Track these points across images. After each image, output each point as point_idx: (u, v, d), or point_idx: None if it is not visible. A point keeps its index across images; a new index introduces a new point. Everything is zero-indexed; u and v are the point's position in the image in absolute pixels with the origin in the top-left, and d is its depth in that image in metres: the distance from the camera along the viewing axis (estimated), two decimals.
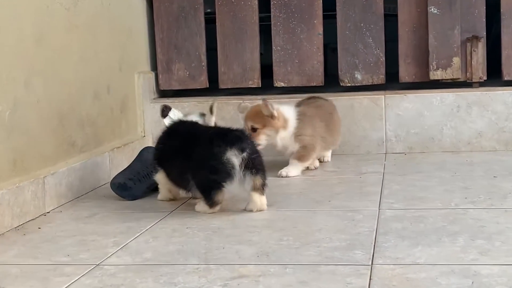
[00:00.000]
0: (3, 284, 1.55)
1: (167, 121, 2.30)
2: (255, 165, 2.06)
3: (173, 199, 2.29)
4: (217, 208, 2.09)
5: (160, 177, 2.26)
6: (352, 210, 2.08)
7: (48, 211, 2.22)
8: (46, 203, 2.22)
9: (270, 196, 2.16)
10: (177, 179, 2.20)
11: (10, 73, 2.10)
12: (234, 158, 2.03)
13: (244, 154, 2.03)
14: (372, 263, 1.58)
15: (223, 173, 2.04)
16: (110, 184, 2.38)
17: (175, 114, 2.30)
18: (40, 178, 2.20)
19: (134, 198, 2.33)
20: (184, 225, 1.99)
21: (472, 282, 1.44)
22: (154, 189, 2.36)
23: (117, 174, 2.41)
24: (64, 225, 2.06)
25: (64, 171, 2.35)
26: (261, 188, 2.08)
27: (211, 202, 2.08)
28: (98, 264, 1.67)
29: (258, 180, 2.07)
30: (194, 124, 2.29)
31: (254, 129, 2.55)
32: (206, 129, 2.24)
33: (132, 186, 2.33)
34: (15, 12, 2.14)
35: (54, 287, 1.52)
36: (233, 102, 3.10)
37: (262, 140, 2.54)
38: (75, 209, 2.26)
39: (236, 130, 2.12)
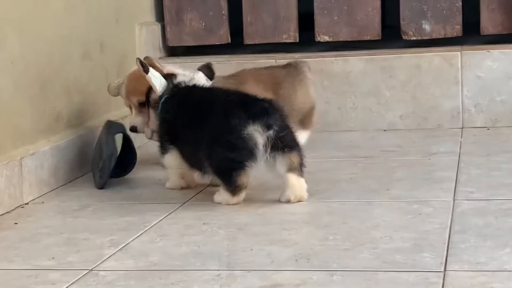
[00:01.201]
0: None
1: (155, 80, 2.29)
2: (287, 143, 2.07)
3: (186, 188, 2.32)
4: (242, 195, 2.11)
5: (170, 159, 2.28)
6: (419, 201, 2.08)
7: (26, 202, 2.25)
8: (24, 191, 2.25)
9: (311, 183, 2.17)
10: (190, 159, 2.23)
11: None
12: (258, 135, 2.04)
13: (271, 132, 2.04)
14: (445, 269, 1.58)
15: (243, 150, 2.06)
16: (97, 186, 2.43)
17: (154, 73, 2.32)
18: (16, 159, 2.23)
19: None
20: (201, 220, 2.01)
21: None
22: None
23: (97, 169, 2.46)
24: (48, 220, 2.08)
25: (46, 151, 2.38)
26: (299, 168, 2.09)
27: (232, 187, 2.09)
28: (91, 269, 1.68)
29: (295, 158, 2.08)
30: (208, 87, 2.31)
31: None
32: (223, 94, 2.25)
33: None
34: None
35: None
36: (261, 63, 3.10)
37: None
38: (60, 200, 2.28)
39: (263, 100, 2.13)
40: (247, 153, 2.05)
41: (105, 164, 2.40)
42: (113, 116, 2.77)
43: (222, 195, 2.13)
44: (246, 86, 2.49)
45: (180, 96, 2.28)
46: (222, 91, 2.29)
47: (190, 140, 2.20)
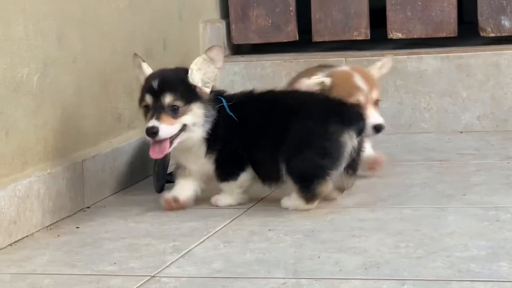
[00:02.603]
0: None
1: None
2: (358, 157, 2.15)
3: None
4: (315, 204, 2.13)
5: (246, 178, 2.22)
6: (496, 207, 2.07)
7: (88, 206, 2.29)
8: (85, 195, 2.29)
9: (382, 188, 2.17)
10: (265, 169, 2.20)
11: (38, 25, 2.16)
12: (349, 141, 2.07)
13: (360, 138, 2.09)
14: None
15: (335, 159, 2.08)
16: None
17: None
18: (78, 162, 2.27)
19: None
20: (266, 226, 2.02)
21: None
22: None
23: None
24: (109, 225, 2.11)
25: (108, 154, 2.42)
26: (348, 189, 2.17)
27: (310, 194, 2.11)
28: (153, 276, 1.71)
29: (352, 181, 2.15)
30: (282, 92, 2.36)
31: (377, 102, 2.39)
32: (308, 98, 2.24)
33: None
34: None
35: None
36: (331, 61, 3.11)
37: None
38: (122, 204, 2.32)
39: (352, 104, 2.18)
40: (336, 162, 2.08)
41: (159, 168, 2.44)
42: None
43: (293, 200, 2.14)
44: None
45: (253, 100, 2.28)
46: (304, 94, 2.28)
47: (268, 148, 2.17)
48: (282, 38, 3.27)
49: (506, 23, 3.11)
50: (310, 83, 2.30)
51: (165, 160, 2.42)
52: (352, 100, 2.26)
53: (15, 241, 2.01)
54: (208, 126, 2.16)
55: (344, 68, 2.40)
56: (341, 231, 1.96)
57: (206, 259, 1.81)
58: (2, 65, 2.02)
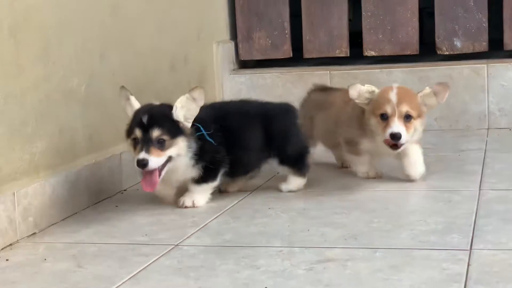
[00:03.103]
0: (82, 263, 1.63)
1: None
2: None
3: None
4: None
5: (221, 177, 2.12)
6: (450, 190, 2.07)
7: (125, 189, 2.30)
8: (123, 180, 2.30)
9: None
10: (244, 166, 2.18)
11: (85, 45, 2.17)
12: None
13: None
14: (471, 248, 1.57)
15: (308, 138, 2.28)
16: None
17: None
18: (117, 154, 2.28)
19: None
20: (266, 205, 2.03)
21: None
22: None
23: None
24: (142, 204, 2.12)
25: None
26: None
27: (305, 169, 2.18)
28: (177, 245, 1.72)
29: None
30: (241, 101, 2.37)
31: (408, 117, 2.11)
32: (261, 104, 2.28)
33: None
34: None
35: (133, 267, 1.58)
36: (318, 73, 3.12)
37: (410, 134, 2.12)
38: None
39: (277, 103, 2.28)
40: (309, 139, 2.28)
41: None
42: None
43: (293, 182, 2.17)
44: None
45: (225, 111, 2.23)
46: (254, 101, 2.31)
47: (249, 149, 2.15)
48: (279, 55, 3.27)
49: (457, 43, 3.10)
50: (362, 89, 2.13)
51: None
52: (381, 110, 2.09)
53: (67, 217, 2.02)
54: (192, 153, 2.00)
55: (393, 84, 2.18)
56: (326, 209, 1.96)
57: (219, 231, 1.82)
58: (57, 76, 2.03)
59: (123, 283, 1.49)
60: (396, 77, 3.02)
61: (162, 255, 1.65)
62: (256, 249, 1.66)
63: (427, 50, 3.18)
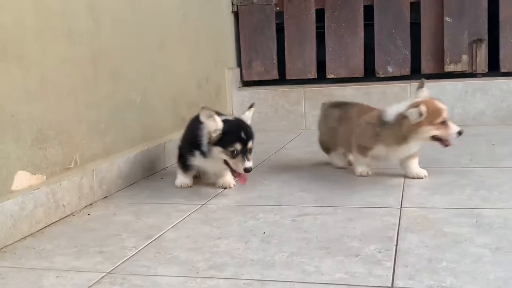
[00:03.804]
0: (139, 216, 1.62)
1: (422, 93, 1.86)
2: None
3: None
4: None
5: None
6: (387, 169, 2.05)
7: (167, 167, 2.29)
8: (165, 161, 2.28)
9: (327, 157, 2.16)
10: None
11: (140, 70, 2.16)
12: None
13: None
14: (401, 207, 1.58)
15: None
16: None
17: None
18: (161, 144, 2.27)
19: None
20: (263, 178, 2.02)
21: (476, 221, 1.43)
22: None
23: None
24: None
25: (177, 139, 2.39)
26: None
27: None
28: (203, 204, 1.72)
29: None
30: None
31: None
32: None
33: None
34: (144, 28, 2.20)
35: (174, 219, 1.57)
36: (296, 90, 3.11)
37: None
38: None
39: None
40: None
41: None
42: None
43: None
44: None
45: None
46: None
47: None
48: (270, 77, 3.26)
49: (390, 69, 3.10)
50: (415, 112, 1.79)
51: None
52: (441, 118, 1.80)
53: (128, 186, 2.01)
54: None
55: (421, 99, 1.85)
56: (303, 180, 1.95)
57: (232, 196, 1.81)
58: (121, 91, 2.02)
59: (168, 230, 1.49)
60: (347, 93, 3.02)
61: (193, 211, 1.65)
62: (257, 207, 1.66)
63: (369, 74, 3.18)
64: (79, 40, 1.78)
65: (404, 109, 1.83)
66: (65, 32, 1.71)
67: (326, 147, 2.14)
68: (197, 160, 1.84)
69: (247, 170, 1.71)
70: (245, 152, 1.72)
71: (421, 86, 1.93)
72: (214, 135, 1.74)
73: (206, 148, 1.77)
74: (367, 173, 1.98)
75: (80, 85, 1.78)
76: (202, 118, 1.73)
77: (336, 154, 2.12)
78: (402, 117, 1.83)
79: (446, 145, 1.84)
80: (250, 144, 1.74)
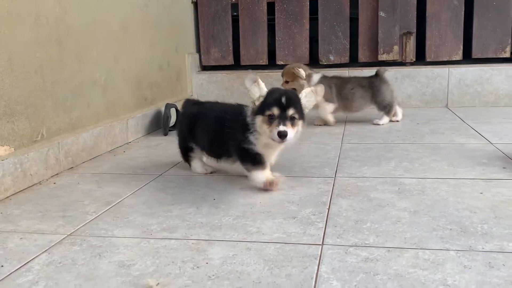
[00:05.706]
0: (101, 185, 1.58)
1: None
2: None
3: None
4: None
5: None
6: (325, 143, 2.08)
7: (129, 141, 2.24)
8: (128, 136, 2.24)
9: (307, 138, 2.15)
10: None
11: (104, 52, 2.09)
12: None
13: None
14: (335, 176, 1.60)
15: None
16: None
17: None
18: (125, 120, 2.21)
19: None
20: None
21: (398, 188, 1.46)
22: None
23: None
24: (140, 150, 2.08)
25: (140, 116, 2.36)
26: None
27: None
28: (161, 174, 1.69)
29: None
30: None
31: None
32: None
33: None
34: (108, 13, 2.13)
35: (133, 187, 1.55)
36: (249, 75, 3.08)
37: None
38: (147, 141, 2.27)
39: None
40: None
41: (165, 122, 2.38)
42: (171, 100, 2.75)
43: None
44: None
45: None
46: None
47: None
48: (226, 63, 3.23)
49: (331, 57, 3.12)
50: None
51: (168, 118, 2.38)
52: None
53: (92, 158, 1.95)
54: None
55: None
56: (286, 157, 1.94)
57: (186, 166, 1.77)
58: (86, 71, 1.94)
59: (126, 197, 1.46)
60: None
61: (152, 180, 1.62)
62: (211, 176, 1.64)
63: (314, 61, 3.18)
64: (46, 23, 1.70)
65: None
66: (32, 15, 1.63)
67: None
68: (257, 146, 1.45)
69: (281, 134, 1.36)
70: (283, 118, 1.38)
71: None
72: (257, 103, 1.43)
73: (251, 120, 1.43)
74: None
75: (46, 65, 1.71)
76: (247, 83, 1.45)
77: None
78: None
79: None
80: (290, 111, 1.39)
